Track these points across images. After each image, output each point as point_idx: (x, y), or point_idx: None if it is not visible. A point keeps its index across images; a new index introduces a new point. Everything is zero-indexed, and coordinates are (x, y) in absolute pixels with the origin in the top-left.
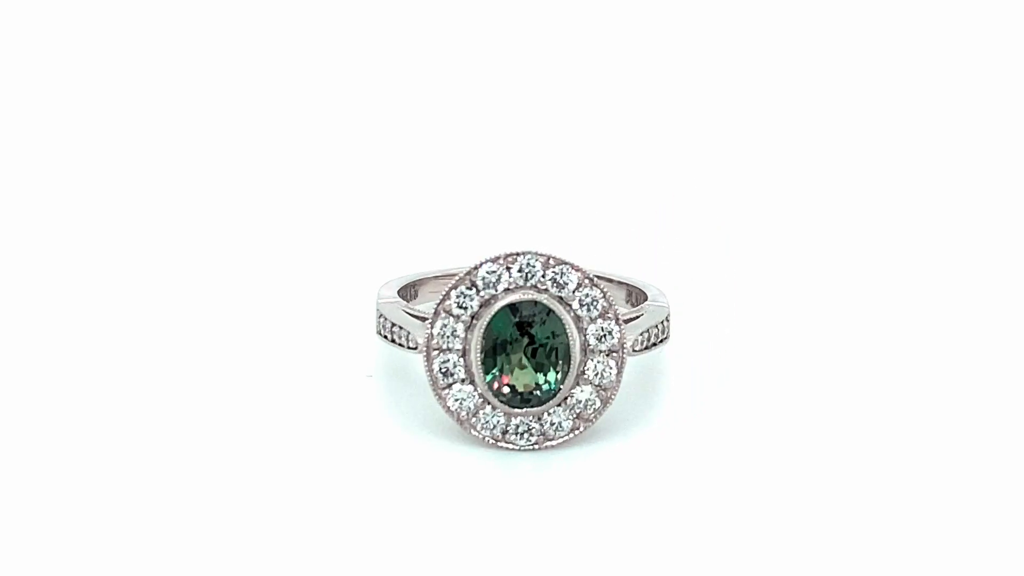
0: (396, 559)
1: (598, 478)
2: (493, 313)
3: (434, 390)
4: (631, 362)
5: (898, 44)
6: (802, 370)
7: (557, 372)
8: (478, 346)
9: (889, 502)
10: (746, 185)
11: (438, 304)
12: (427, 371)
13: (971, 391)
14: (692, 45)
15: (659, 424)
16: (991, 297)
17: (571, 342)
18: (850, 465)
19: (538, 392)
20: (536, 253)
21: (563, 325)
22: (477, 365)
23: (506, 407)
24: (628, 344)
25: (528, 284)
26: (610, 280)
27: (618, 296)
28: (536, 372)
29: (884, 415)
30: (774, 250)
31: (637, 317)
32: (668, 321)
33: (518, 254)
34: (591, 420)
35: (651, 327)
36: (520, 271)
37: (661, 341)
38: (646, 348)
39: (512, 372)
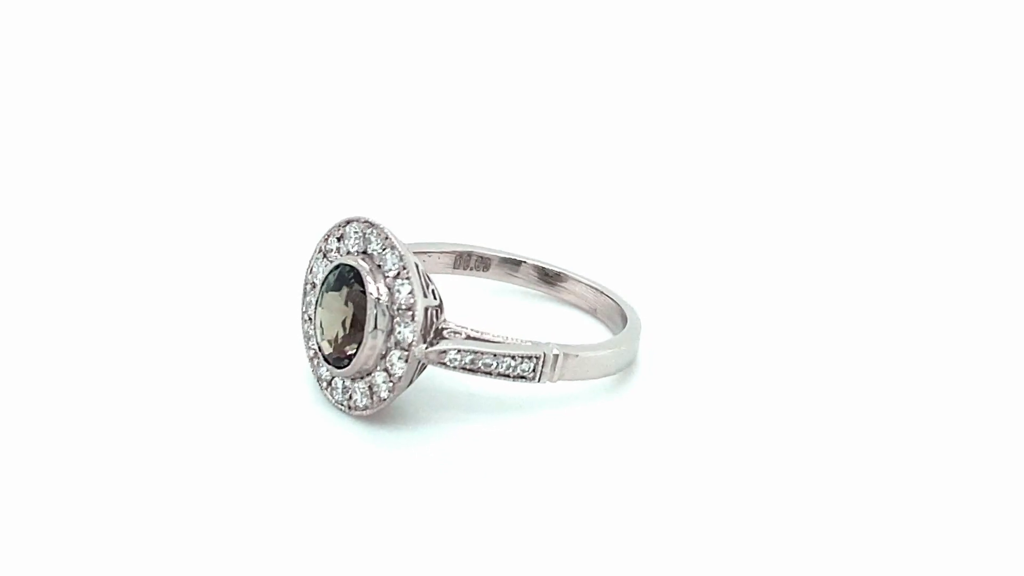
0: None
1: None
2: (330, 268)
3: (302, 320)
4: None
5: (879, 50)
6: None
7: (346, 342)
8: (316, 293)
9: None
10: (734, 191)
11: (318, 243)
12: (301, 302)
13: (947, 391)
14: (675, 56)
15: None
16: (970, 305)
17: (371, 321)
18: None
19: (343, 358)
20: (381, 229)
21: (365, 301)
22: (312, 312)
23: (324, 360)
24: (421, 349)
25: (364, 253)
26: (605, 295)
27: (617, 318)
28: (333, 338)
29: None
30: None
31: (497, 342)
32: (541, 363)
33: (373, 224)
34: (378, 405)
35: (493, 354)
36: (365, 238)
37: (510, 376)
38: (472, 371)
39: (319, 329)
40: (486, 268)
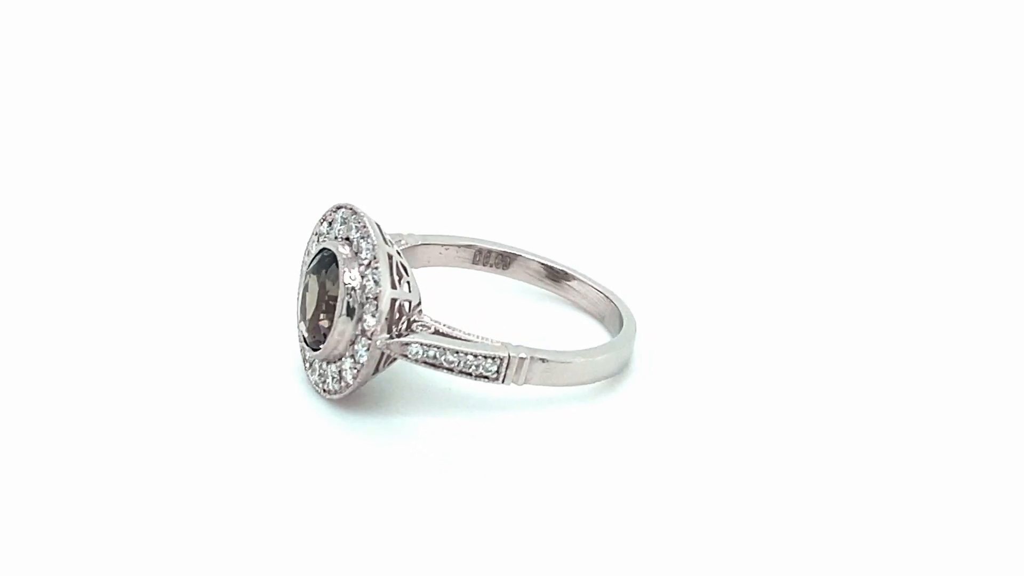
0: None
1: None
2: (317, 250)
3: (297, 300)
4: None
5: (879, 51)
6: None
7: (322, 325)
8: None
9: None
10: (731, 192)
11: (315, 225)
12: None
13: (943, 394)
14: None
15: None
16: (966, 305)
17: (340, 306)
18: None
19: (319, 340)
20: (361, 217)
21: (337, 288)
22: (299, 293)
23: (304, 341)
24: (383, 338)
25: (347, 239)
26: (613, 302)
27: (619, 327)
28: (311, 319)
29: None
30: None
31: (465, 340)
32: (504, 364)
33: (356, 212)
34: (345, 390)
35: (455, 351)
36: (348, 225)
37: (472, 375)
38: (434, 365)
39: (301, 310)
40: (506, 266)
